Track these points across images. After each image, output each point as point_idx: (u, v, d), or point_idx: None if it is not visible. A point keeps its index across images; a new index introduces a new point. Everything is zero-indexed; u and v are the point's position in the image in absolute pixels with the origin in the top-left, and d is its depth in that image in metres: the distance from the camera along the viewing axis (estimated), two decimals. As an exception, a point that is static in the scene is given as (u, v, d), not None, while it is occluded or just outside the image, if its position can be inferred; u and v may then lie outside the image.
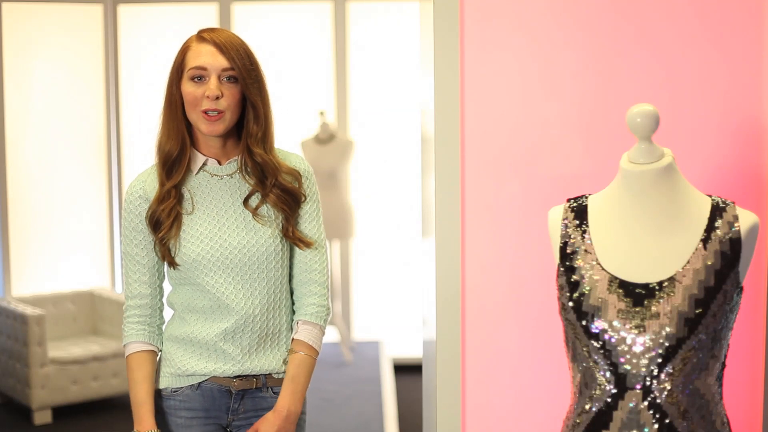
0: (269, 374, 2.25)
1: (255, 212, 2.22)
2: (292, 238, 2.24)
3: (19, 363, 5.32)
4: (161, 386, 2.26)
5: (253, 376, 2.24)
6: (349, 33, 6.67)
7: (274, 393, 2.26)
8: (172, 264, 2.22)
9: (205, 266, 2.20)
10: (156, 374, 2.27)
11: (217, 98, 2.15)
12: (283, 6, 6.65)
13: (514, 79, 2.36)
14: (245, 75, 2.17)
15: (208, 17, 6.62)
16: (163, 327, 2.32)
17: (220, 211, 2.23)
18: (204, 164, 2.24)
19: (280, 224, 2.23)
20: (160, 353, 2.29)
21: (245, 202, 2.22)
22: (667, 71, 2.33)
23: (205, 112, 2.15)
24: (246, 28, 6.62)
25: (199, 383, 2.23)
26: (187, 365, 2.23)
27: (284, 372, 2.26)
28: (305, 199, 2.26)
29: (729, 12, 2.32)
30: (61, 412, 5.45)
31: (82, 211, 6.63)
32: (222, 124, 2.17)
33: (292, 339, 2.26)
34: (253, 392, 2.25)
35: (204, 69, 2.16)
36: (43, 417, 5.30)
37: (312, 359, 2.26)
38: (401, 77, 6.62)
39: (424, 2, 2.54)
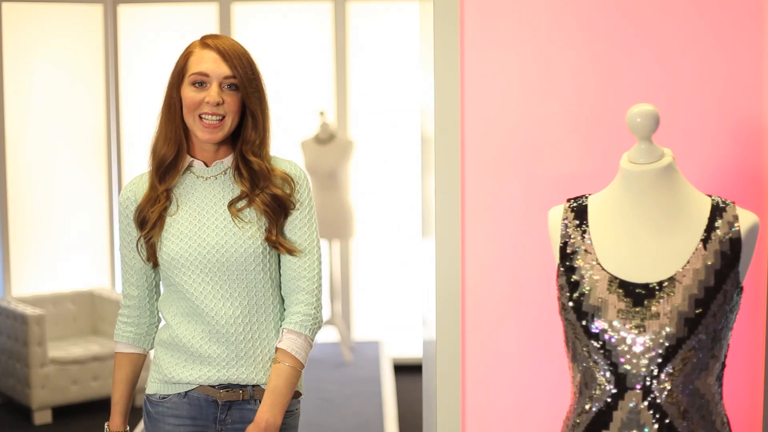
0: (257, 385, 2.22)
1: (237, 214, 2.20)
2: (274, 242, 2.20)
3: (19, 363, 5.32)
4: (150, 392, 2.26)
5: (240, 386, 2.21)
6: (349, 33, 6.67)
7: None
8: (156, 264, 2.25)
9: (183, 265, 2.19)
10: (149, 378, 2.29)
11: (218, 105, 2.15)
12: (283, 6, 6.65)
13: (514, 79, 2.36)
14: (246, 84, 2.17)
15: (208, 17, 6.62)
16: (157, 329, 2.34)
17: (201, 212, 2.22)
18: (190, 165, 2.25)
19: (263, 227, 2.21)
20: (151, 352, 2.33)
21: (231, 204, 2.21)
22: (667, 71, 2.33)
23: (203, 118, 2.15)
24: (246, 28, 6.62)
25: (186, 392, 2.23)
26: (173, 373, 2.22)
27: None
28: (294, 206, 2.23)
29: (729, 12, 2.32)
30: (61, 412, 5.45)
31: (82, 211, 6.63)
32: (221, 132, 2.18)
33: (276, 347, 2.21)
34: (240, 404, 2.22)
35: (206, 75, 2.16)
36: (43, 417, 5.30)
37: (294, 370, 2.19)
38: (401, 77, 6.62)
39: (424, 2, 2.54)
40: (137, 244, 2.25)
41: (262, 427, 2.16)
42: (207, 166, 2.24)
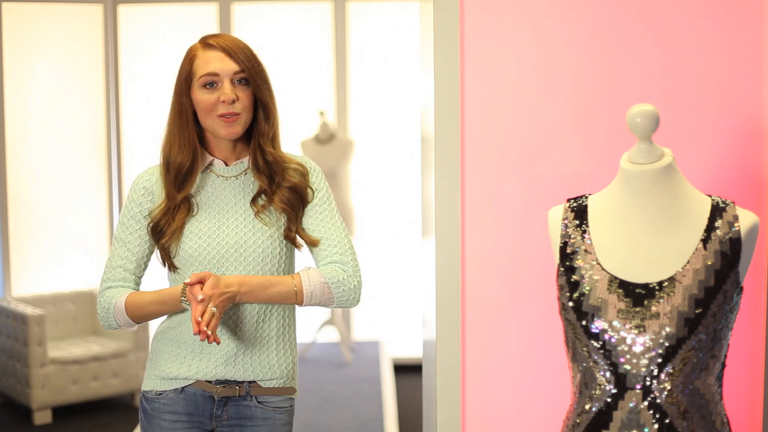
0: (253, 382, 2.22)
1: (261, 210, 2.21)
2: (293, 238, 2.22)
3: (19, 363, 5.32)
4: (146, 388, 2.27)
5: (237, 383, 2.22)
6: (349, 33, 6.67)
7: (258, 402, 2.23)
8: (172, 267, 2.23)
9: (201, 263, 2.19)
10: (145, 375, 2.29)
11: (233, 102, 2.15)
12: (283, 6, 6.65)
13: (514, 79, 2.36)
14: (255, 76, 2.18)
15: (208, 17, 6.62)
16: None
17: (221, 211, 2.23)
18: (210, 164, 2.25)
19: (282, 226, 2.22)
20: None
21: (253, 201, 2.22)
22: (667, 71, 2.33)
23: (222, 115, 2.16)
24: (246, 28, 6.62)
25: (183, 387, 2.23)
26: (171, 368, 2.23)
27: (270, 380, 2.24)
28: (313, 193, 2.24)
29: (729, 12, 2.32)
30: (61, 412, 5.45)
31: (82, 210, 6.62)
32: (239, 126, 2.18)
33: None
34: (236, 400, 2.23)
35: (216, 75, 2.16)
36: (43, 417, 5.30)
37: (290, 291, 2.15)
38: (401, 77, 6.62)
39: (424, 2, 2.54)
40: (160, 254, 2.23)
41: (221, 283, 2.08)
42: (227, 165, 2.25)
